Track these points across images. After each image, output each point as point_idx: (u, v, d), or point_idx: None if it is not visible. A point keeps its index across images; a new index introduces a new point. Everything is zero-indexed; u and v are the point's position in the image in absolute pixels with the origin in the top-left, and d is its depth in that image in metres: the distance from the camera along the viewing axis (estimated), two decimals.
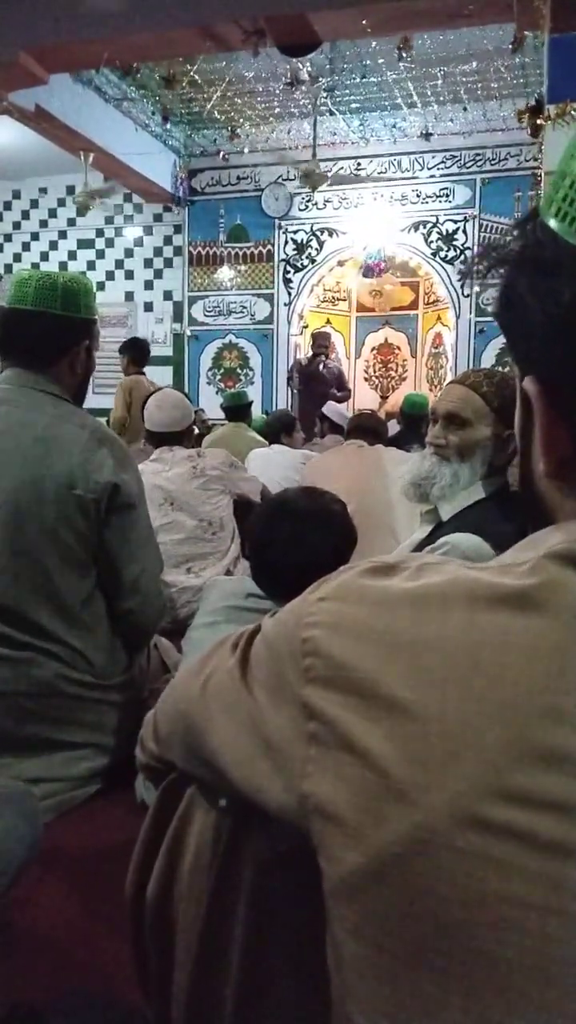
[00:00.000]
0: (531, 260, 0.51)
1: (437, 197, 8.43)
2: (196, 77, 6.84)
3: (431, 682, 0.47)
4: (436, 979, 0.44)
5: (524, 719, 0.44)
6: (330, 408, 5.89)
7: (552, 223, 0.50)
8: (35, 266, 9.43)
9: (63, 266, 9.60)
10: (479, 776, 0.44)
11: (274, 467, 4.26)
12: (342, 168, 8.45)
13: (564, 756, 0.43)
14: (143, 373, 6.39)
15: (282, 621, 0.58)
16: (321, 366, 8.22)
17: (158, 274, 9.51)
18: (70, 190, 9.19)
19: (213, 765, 0.63)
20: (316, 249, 8.90)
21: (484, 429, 1.80)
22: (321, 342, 8.59)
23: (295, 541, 1.65)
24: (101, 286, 9.30)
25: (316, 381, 8.11)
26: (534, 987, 0.42)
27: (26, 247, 9.98)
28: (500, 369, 1.90)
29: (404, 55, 5.75)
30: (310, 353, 8.86)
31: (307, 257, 8.94)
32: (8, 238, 9.80)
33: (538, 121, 3.95)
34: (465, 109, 7.58)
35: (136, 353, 6.41)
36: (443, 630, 0.48)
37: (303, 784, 0.52)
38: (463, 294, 8.32)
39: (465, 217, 8.33)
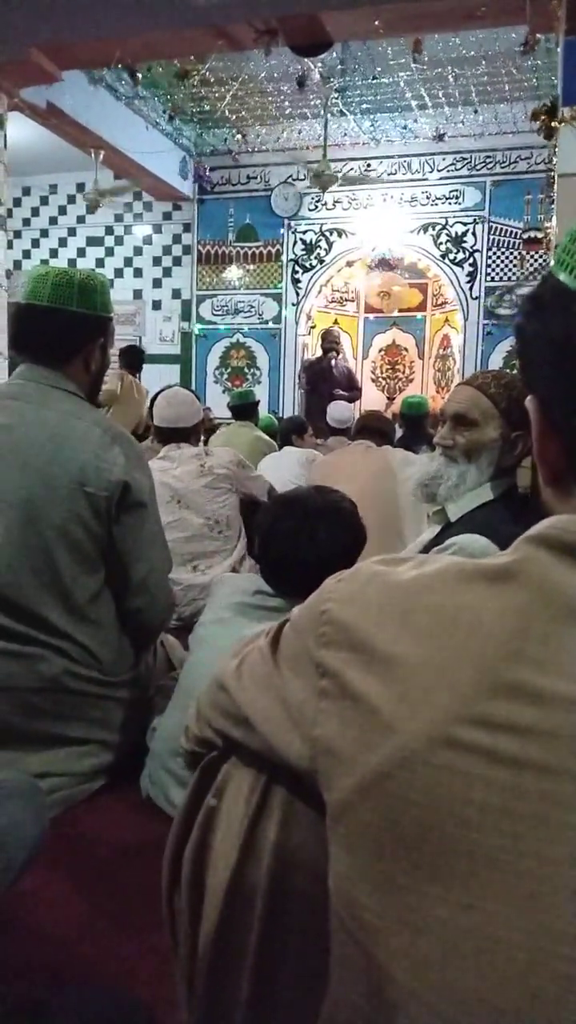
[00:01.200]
0: (532, 298, 0.62)
1: (447, 199, 8.43)
2: (208, 76, 6.84)
3: (418, 638, 0.56)
4: (415, 874, 0.52)
5: (491, 661, 0.53)
6: (332, 410, 5.89)
7: (561, 275, 0.59)
8: (44, 263, 9.44)
9: (72, 263, 9.62)
10: (451, 706, 0.53)
11: (283, 468, 4.27)
12: (352, 169, 8.43)
13: (523, 689, 0.51)
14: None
15: (307, 604, 0.68)
16: (332, 363, 8.21)
17: (167, 272, 9.52)
18: (80, 187, 9.21)
19: (247, 726, 0.73)
20: (325, 249, 8.90)
21: (491, 430, 1.80)
22: (331, 339, 8.58)
23: (304, 536, 1.65)
24: (110, 284, 9.30)
25: (325, 380, 8.10)
26: (495, 876, 0.50)
27: (35, 244, 10.00)
28: (509, 371, 1.91)
29: (416, 56, 5.74)
30: (319, 352, 8.86)
31: (316, 257, 8.94)
32: (18, 235, 9.81)
33: (552, 123, 3.94)
34: (476, 111, 7.57)
35: (131, 359, 6.97)
36: (432, 598, 0.58)
37: (314, 731, 0.62)
38: (471, 296, 8.31)
39: (475, 220, 8.32)
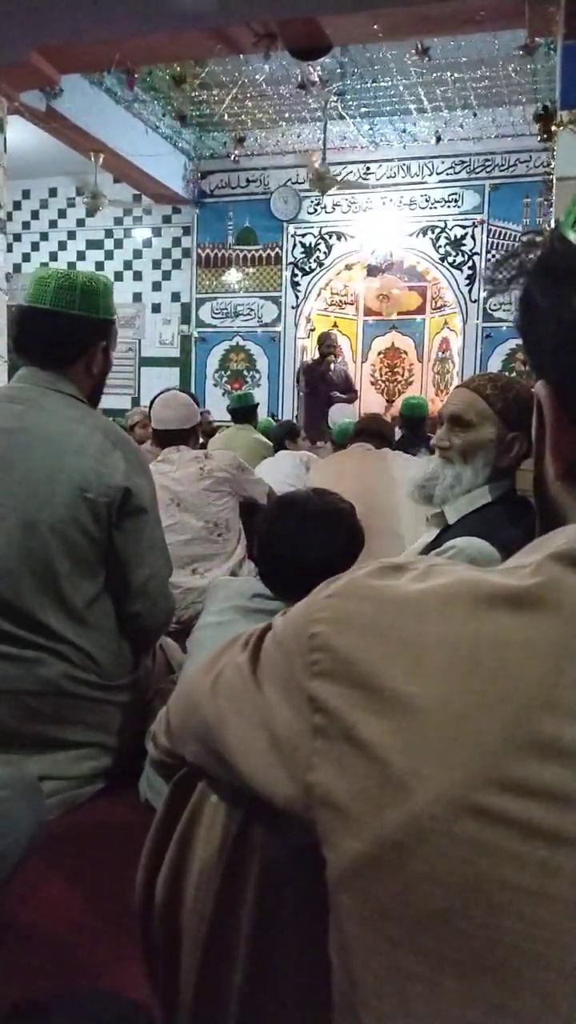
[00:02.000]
0: (544, 269, 0.53)
1: (446, 202, 8.44)
2: (207, 79, 6.85)
3: (431, 676, 0.48)
4: (432, 963, 0.45)
5: (521, 711, 0.45)
6: (334, 413, 5.90)
7: (571, 235, 0.52)
8: (44, 266, 9.45)
9: (71, 266, 9.63)
10: (475, 765, 0.45)
11: (278, 471, 4.28)
12: (351, 172, 8.46)
13: (558, 746, 0.44)
14: None
15: (292, 618, 0.60)
16: (332, 367, 8.22)
17: (166, 276, 9.53)
18: (79, 191, 9.22)
19: (224, 759, 0.64)
20: (324, 252, 8.91)
21: (487, 431, 1.80)
22: (328, 343, 8.59)
23: (302, 537, 1.65)
24: None
25: (324, 383, 8.11)
26: (528, 970, 0.43)
27: (35, 247, 10.01)
28: (507, 374, 1.90)
29: (419, 59, 5.75)
30: (316, 355, 8.86)
31: (315, 260, 8.95)
32: (17, 238, 9.82)
33: (551, 127, 3.96)
34: (475, 115, 7.60)
35: None
36: (445, 627, 0.49)
37: (308, 775, 0.53)
38: (470, 299, 8.31)
39: (474, 223, 8.33)
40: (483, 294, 8.13)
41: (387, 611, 0.52)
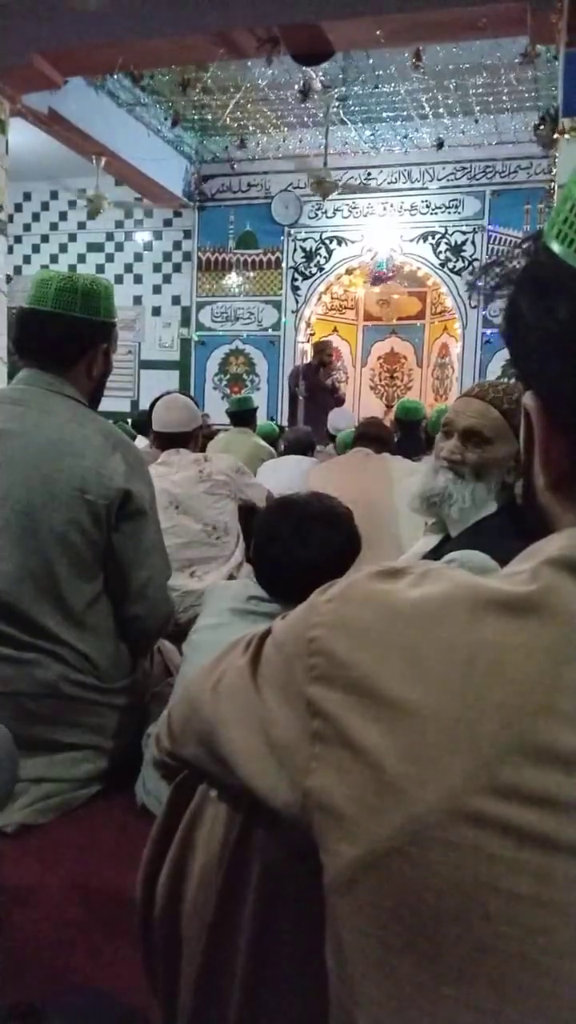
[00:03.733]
0: (531, 279, 0.53)
1: (446, 208, 8.46)
2: (209, 83, 6.87)
3: (428, 681, 0.48)
4: (429, 969, 0.45)
5: (518, 716, 0.45)
6: (333, 417, 5.89)
7: (554, 245, 0.51)
8: (45, 268, 9.46)
9: (72, 269, 9.63)
10: (472, 771, 0.45)
11: (281, 475, 4.28)
12: (352, 177, 8.48)
13: (556, 752, 0.44)
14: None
15: (291, 622, 0.60)
16: (329, 380, 8.21)
17: (167, 279, 9.54)
18: (81, 193, 9.24)
19: (224, 761, 0.64)
20: (325, 257, 8.93)
21: (504, 448, 1.72)
22: (328, 351, 8.56)
23: (298, 539, 1.65)
24: None
25: (323, 391, 8.10)
26: (524, 976, 0.43)
27: (36, 249, 10.02)
28: (510, 381, 1.87)
29: (417, 66, 5.77)
30: (311, 360, 8.83)
31: (315, 265, 8.96)
32: (18, 240, 9.82)
33: (553, 134, 3.97)
34: (476, 121, 7.61)
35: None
36: (442, 632, 0.49)
37: (307, 780, 0.53)
38: (471, 305, 8.33)
39: (474, 229, 8.35)
40: (481, 299, 8.13)
41: (385, 616, 0.52)
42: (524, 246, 0.56)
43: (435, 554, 1.81)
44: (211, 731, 0.66)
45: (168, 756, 0.77)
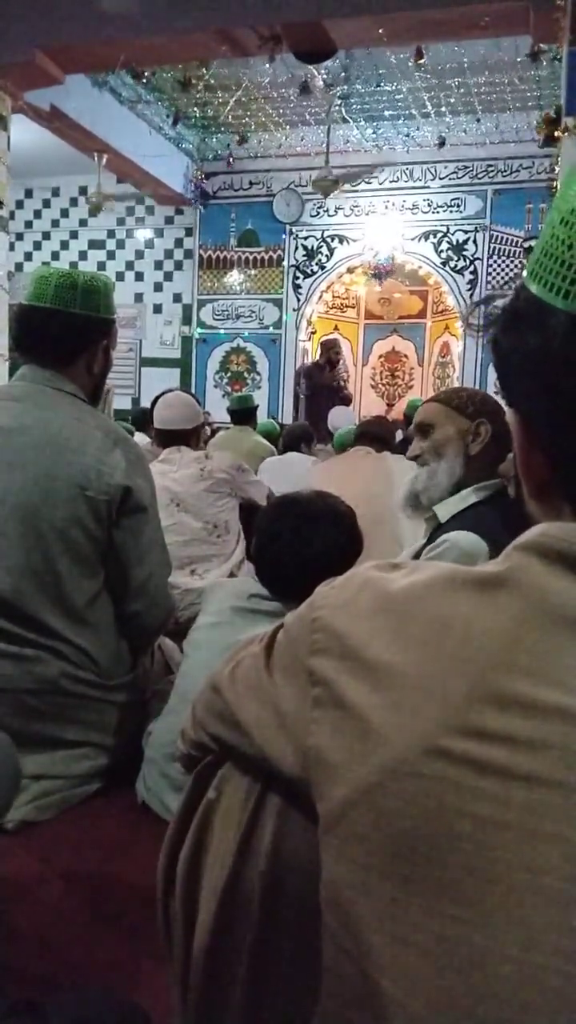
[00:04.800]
0: (511, 311, 0.61)
1: (448, 207, 8.45)
2: (211, 81, 6.86)
3: (410, 647, 0.56)
4: (405, 887, 0.52)
5: (483, 670, 0.52)
6: (333, 416, 5.89)
7: (532, 286, 0.58)
8: (45, 265, 9.46)
9: (74, 266, 9.63)
10: (443, 716, 0.53)
11: (291, 470, 4.29)
12: (354, 176, 8.47)
13: (515, 699, 0.51)
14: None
15: (298, 612, 0.68)
16: (338, 383, 8.18)
17: (168, 276, 9.53)
18: (82, 191, 9.23)
19: (243, 733, 0.73)
20: (326, 255, 8.92)
21: (447, 428, 1.92)
22: (335, 350, 8.52)
23: (300, 537, 1.65)
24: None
25: (327, 389, 8.09)
26: (484, 888, 0.49)
27: (37, 246, 10.01)
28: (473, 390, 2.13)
29: (418, 64, 5.76)
30: (319, 358, 8.83)
31: (317, 263, 8.95)
32: (20, 237, 9.82)
33: (555, 133, 3.97)
34: (478, 120, 7.61)
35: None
36: (424, 606, 0.57)
37: (307, 741, 0.61)
38: (471, 304, 8.32)
39: (476, 228, 8.35)
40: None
41: (379, 597, 0.60)
42: (513, 286, 0.64)
43: (430, 542, 1.85)
44: (230, 709, 0.75)
45: (192, 747, 0.84)
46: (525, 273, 0.61)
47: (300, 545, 1.65)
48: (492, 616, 0.54)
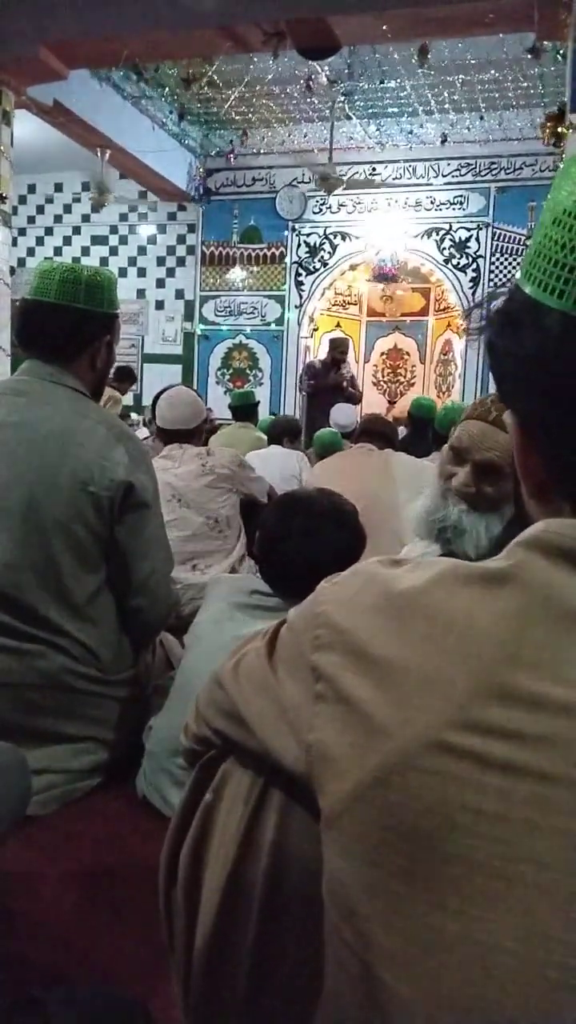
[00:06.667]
0: (506, 313, 0.60)
1: (451, 205, 8.45)
2: (215, 77, 6.86)
3: (413, 641, 0.56)
4: (408, 881, 0.52)
5: (486, 665, 0.52)
6: (335, 413, 5.88)
7: (526, 287, 0.58)
8: (48, 260, 9.46)
9: (76, 261, 9.61)
10: (446, 711, 0.53)
11: (271, 465, 4.26)
12: (357, 173, 8.47)
13: (518, 694, 0.51)
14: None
15: (301, 608, 0.68)
16: (344, 383, 8.09)
17: (170, 272, 9.53)
18: (85, 186, 9.23)
19: (246, 727, 0.73)
20: (329, 252, 8.92)
21: (511, 482, 1.60)
22: (342, 349, 8.43)
23: (308, 536, 1.65)
24: None
25: (336, 389, 8.03)
26: (486, 881, 0.49)
27: (40, 241, 10.01)
28: None
29: (422, 62, 5.76)
30: (325, 357, 8.79)
31: (319, 260, 8.95)
32: (22, 232, 9.82)
33: (560, 130, 3.96)
34: (482, 118, 7.60)
35: (121, 376, 7.25)
36: (428, 601, 0.57)
37: (309, 736, 0.61)
38: (474, 302, 8.32)
39: (478, 225, 8.34)
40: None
41: (382, 593, 0.60)
42: (508, 287, 0.63)
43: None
44: (233, 703, 0.75)
45: (195, 742, 0.84)
46: (519, 275, 0.61)
47: (309, 545, 1.65)
48: (496, 611, 0.54)
